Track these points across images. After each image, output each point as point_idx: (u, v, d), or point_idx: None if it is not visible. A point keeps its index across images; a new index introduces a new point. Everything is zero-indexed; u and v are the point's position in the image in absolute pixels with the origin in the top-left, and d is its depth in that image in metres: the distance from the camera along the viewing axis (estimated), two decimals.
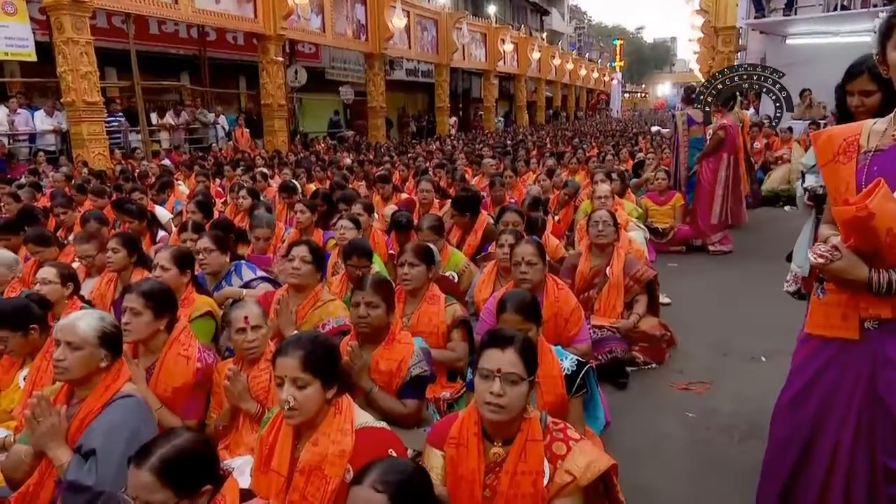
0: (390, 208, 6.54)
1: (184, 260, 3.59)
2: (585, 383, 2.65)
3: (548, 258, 4.67)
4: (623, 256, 4.21)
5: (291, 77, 18.86)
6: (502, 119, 31.61)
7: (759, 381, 3.78)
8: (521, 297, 2.57)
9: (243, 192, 6.51)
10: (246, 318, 2.71)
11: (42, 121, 12.48)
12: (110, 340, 2.38)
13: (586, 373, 2.64)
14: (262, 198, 7.52)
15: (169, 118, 15.05)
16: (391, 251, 5.05)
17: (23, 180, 9.83)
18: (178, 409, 2.81)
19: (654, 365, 4.04)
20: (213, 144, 15.62)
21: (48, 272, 3.48)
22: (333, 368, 2.04)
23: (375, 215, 6.53)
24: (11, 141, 12.15)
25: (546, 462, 1.89)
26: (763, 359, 4.16)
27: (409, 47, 22.83)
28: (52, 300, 3.37)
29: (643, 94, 66.18)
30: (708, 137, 7.17)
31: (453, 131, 26.35)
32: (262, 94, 16.92)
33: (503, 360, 1.88)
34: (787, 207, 9.21)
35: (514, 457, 1.89)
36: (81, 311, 2.55)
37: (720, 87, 7.54)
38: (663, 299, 5.27)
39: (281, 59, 16.84)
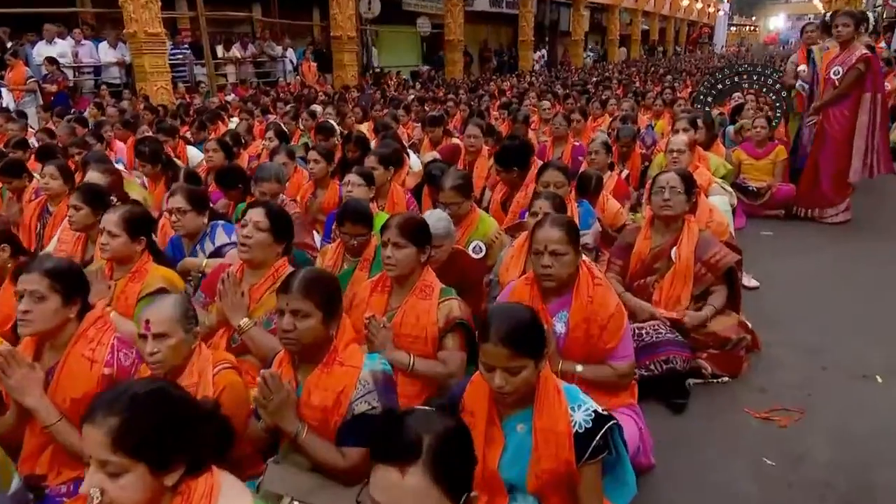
0: (430, 156, 5.69)
1: (136, 224, 2.94)
2: (607, 443, 1.81)
3: (601, 229, 3.79)
4: (696, 234, 3.23)
5: (364, 7, 17.92)
6: (591, 54, 29.50)
7: (871, 414, 2.81)
8: (511, 321, 1.72)
9: (270, 133, 5.85)
10: (147, 322, 2.02)
11: (106, 53, 12.25)
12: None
13: (609, 430, 1.80)
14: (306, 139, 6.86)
15: (235, 51, 14.57)
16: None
17: (86, 113, 9.65)
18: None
19: (725, 379, 3.11)
20: (280, 79, 15.08)
21: None
22: (174, 441, 1.31)
23: (415, 164, 5.73)
24: (77, 73, 12.00)
25: None
26: (878, 379, 3.14)
27: None
28: None
29: (752, 28, 60.64)
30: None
31: (537, 67, 24.80)
32: (331, 25, 16.17)
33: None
34: None
35: None
36: None
37: (720, 86, 7.53)
38: (749, 281, 4.26)
39: None
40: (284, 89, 14.70)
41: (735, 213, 5.39)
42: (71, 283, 2.24)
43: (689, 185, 3.32)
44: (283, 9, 17.33)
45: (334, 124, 6.52)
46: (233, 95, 13.41)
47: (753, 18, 62.56)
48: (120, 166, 5.61)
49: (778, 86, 7.04)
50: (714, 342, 3.07)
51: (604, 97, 9.72)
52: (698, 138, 5.22)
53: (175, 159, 5.94)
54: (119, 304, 2.84)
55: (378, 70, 19.92)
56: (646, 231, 3.32)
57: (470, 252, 3.63)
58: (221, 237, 3.36)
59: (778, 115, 6.97)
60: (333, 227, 3.72)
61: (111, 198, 3.54)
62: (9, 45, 11.46)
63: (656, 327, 2.99)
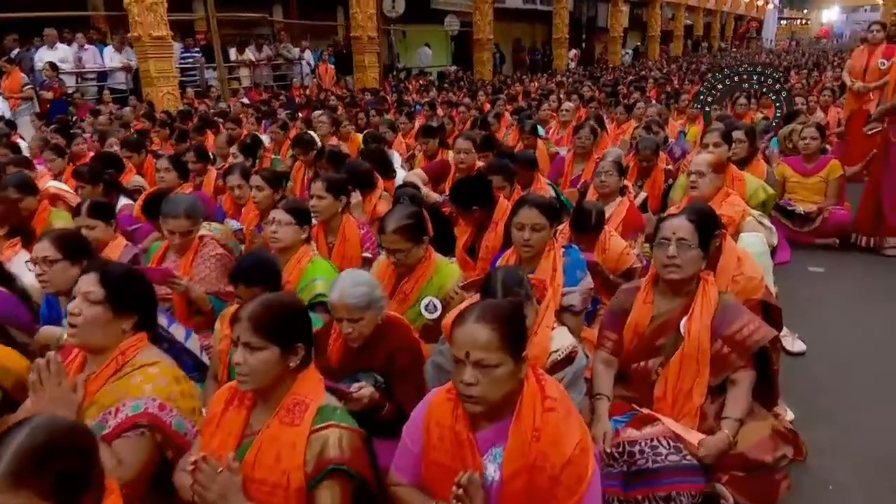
0: (412, 175, 4.88)
1: None
2: None
3: (592, 286, 2.92)
4: (715, 299, 2.35)
5: (388, 6, 17.20)
6: (630, 52, 28.22)
7: None
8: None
9: (233, 148, 5.12)
10: None
11: (111, 57, 11.78)
12: None
13: None
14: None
15: (249, 53, 13.99)
16: (369, 253, 3.45)
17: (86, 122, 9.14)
18: None
19: None
20: (295, 81, 14.46)
21: None
22: None
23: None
24: (80, 79, 11.57)
25: None
26: None
27: None
28: None
29: (804, 21, 57.92)
30: None
31: (572, 65, 23.73)
32: (351, 25, 15.51)
33: None
34: None
35: None
36: None
37: (720, 87, 7.47)
38: (792, 344, 3.34)
39: None
40: (300, 93, 14.10)
41: (777, 242, 4.44)
42: None
43: (707, 232, 2.44)
44: (306, 9, 16.72)
45: (314, 136, 5.76)
46: (245, 100, 12.85)
47: (805, 11, 59.78)
48: (65, 187, 4.96)
49: (778, 86, 7.13)
50: (740, 463, 2.17)
51: (632, 100, 8.76)
52: (734, 154, 4.28)
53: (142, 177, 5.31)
54: None
55: (404, 71, 19.20)
56: (646, 293, 2.44)
57: (422, 311, 2.83)
58: None
59: (778, 115, 6.93)
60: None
61: None
62: (15, 51, 11.10)
63: (654, 444, 2.12)
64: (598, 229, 3.25)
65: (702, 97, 7.51)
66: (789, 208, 4.88)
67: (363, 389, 2.11)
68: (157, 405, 1.82)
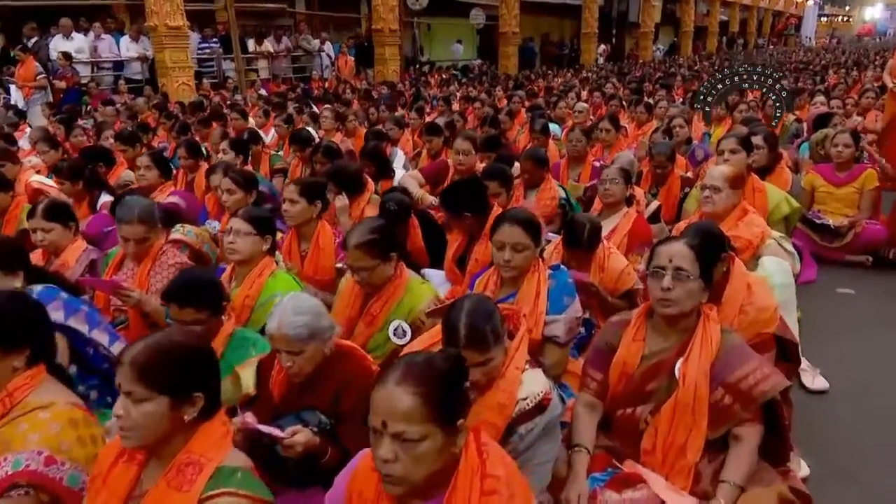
0: (407, 178, 4.58)
1: None
2: None
3: (582, 314, 2.59)
4: (717, 338, 2.00)
5: None
6: (661, 48, 27.51)
7: None
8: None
9: (224, 144, 4.87)
10: None
11: (127, 47, 11.68)
12: None
13: None
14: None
15: (268, 45, 13.79)
16: (343, 264, 3.16)
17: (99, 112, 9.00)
18: None
19: None
20: (315, 73, 14.24)
21: None
22: None
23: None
24: (95, 69, 11.48)
25: None
26: None
27: None
28: None
29: (845, 18, 56.12)
30: None
31: (601, 61, 23.18)
32: (373, 17, 15.24)
33: None
34: None
35: None
36: None
37: (720, 86, 7.41)
38: (813, 381, 2.97)
39: None
40: (319, 85, 13.88)
41: (802, 259, 4.04)
42: None
43: (711, 258, 2.10)
44: (329, 1, 16.48)
45: (312, 132, 5.49)
46: (263, 91, 12.67)
47: (847, 8, 57.92)
48: (49, 182, 4.76)
49: (778, 85, 7.07)
50: None
51: (656, 98, 8.33)
52: (753, 162, 3.90)
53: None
54: None
55: (428, 64, 18.89)
56: (636, 328, 2.10)
57: (390, 336, 2.53)
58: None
59: (778, 115, 6.89)
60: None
61: None
62: (33, 40, 11.04)
63: None
64: (592, 247, 2.91)
65: (702, 96, 7.50)
66: (818, 221, 4.46)
67: (297, 435, 1.83)
68: (42, 459, 1.56)
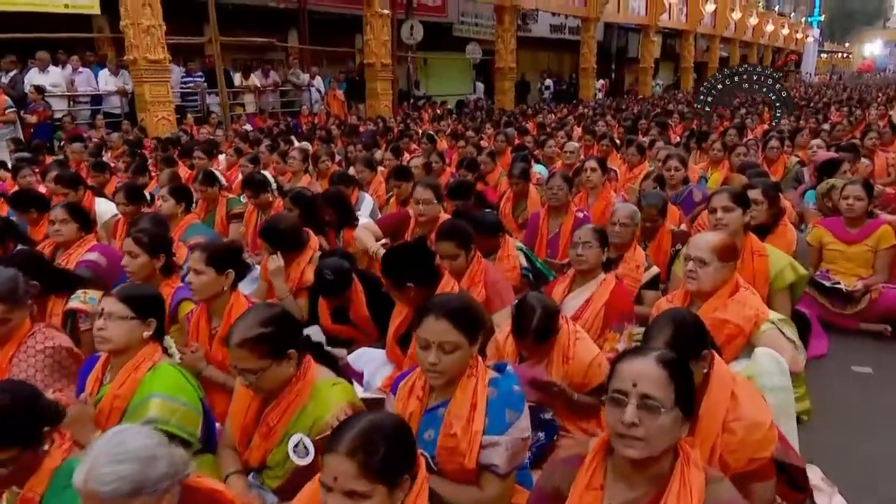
0: (361, 231, 4.07)
1: None
2: None
3: (528, 435, 2.03)
4: (699, 488, 1.45)
5: (406, 33, 16.67)
6: (661, 83, 27.31)
7: None
8: None
9: (163, 191, 4.38)
10: None
11: (106, 80, 11.32)
12: None
13: None
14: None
15: (255, 79, 13.45)
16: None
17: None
18: None
19: None
20: (304, 108, 13.89)
21: None
22: None
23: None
24: (72, 103, 11.11)
25: None
26: None
27: None
28: None
29: (845, 55, 56.30)
30: None
31: (600, 96, 22.92)
32: (365, 52, 14.96)
33: None
34: None
35: None
36: None
37: (720, 87, 7.52)
38: (822, 498, 2.38)
39: (387, 11, 14.70)
40: (308, 120, 13.51)
41: (811, 329, 3.49)
42: None
43: (690, 374, 1.56)
44: (322, 34, 16.21)
45: (268, 176, 5.00)
46: (248, 126, 12.30)
47: (846, 45, 58.16)
48: None
49: (778, 86, 7.15)
50: None
51: (649, 136, 7.87)
52: (752, 219, 3.37)
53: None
54: None
55: (423, 99, 18.60)
56: (591, 471, 1.54)
57: (290, 454, 1.99)
58: None
59: (778, 115, 6.91)
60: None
61: None
62: (12, 73, 10.71)
63: None
64: (544, 338, 2.36)
65: (702, 98, 7.57)
66: (828, 284, 3.92)
67: None
68: None
